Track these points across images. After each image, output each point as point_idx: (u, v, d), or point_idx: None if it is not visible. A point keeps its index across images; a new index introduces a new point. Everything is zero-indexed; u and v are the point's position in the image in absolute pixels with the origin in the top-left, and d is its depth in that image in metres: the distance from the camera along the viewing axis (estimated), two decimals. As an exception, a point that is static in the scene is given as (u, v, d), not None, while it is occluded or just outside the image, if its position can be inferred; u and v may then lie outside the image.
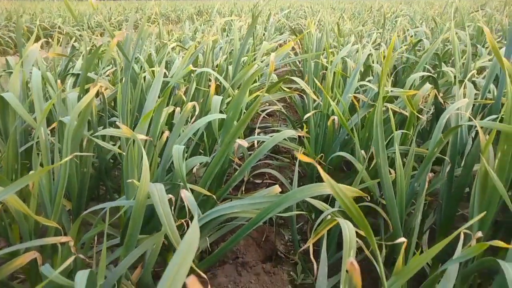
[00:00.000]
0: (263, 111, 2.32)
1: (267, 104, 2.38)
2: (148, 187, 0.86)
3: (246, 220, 1.60)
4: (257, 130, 1.70)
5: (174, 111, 1.65)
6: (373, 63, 2.77)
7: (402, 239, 0.75)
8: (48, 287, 1.03)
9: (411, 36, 3.06)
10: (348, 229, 0.85)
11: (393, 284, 0.69)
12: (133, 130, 1.51)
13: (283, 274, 1.47)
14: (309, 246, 0.94)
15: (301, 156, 0.57)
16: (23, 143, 1.60)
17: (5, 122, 1.45)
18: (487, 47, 2.79)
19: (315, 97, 1.71)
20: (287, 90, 2.25)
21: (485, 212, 0.93)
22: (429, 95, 1.48)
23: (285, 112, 2.31)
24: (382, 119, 1.10)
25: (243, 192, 1.68)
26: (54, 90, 1.50)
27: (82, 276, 0.80)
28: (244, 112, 1.92)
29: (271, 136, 1.50)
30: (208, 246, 1.52)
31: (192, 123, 1.25)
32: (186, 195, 0.82)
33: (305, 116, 1.56)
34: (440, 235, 1.47)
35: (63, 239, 0.98)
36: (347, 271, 0.59)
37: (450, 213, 1.42)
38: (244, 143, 1.18)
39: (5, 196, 0.83)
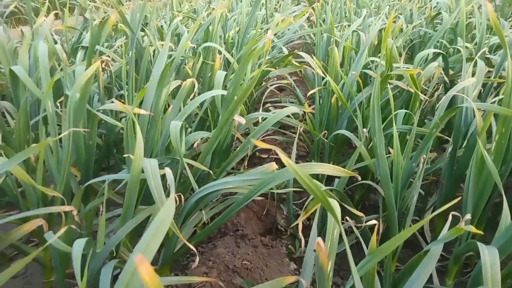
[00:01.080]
0: (272, 85, 2.31)
1: (275, 79, 2.36)
2: (142, 161, 0.89)
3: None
4: (260, 106, 1.70)
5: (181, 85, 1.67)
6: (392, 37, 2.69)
7: (373, 222, 0.76)
8: (54, 253, 1.11)
9: (433, 8, 2.93)
10: (335, 208, 0.87)
11: (366, 263, 0.72)
12: (140, 104, 1.54)
13: (281, 247, 1.52)
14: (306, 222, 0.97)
15: (263, 143, 0.58)
16: (34, 115, 1.66)
17: (16, 95, 1.51)
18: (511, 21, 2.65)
19: (321, 73, 1.69)
20: (297, 64, 2.23)
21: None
22: (440, 73, 1.43)
23: (296, 87, 2.30)
24: (379, 98, 1.09)
25: (246, 167, 1.71)
26: (62, 63, 1.54)
27: (79, 243, 0.85)
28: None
29: (273, 113, 1.51)
30: (207, 218, 1.58)
31: (191, 99, 1.27)
32: (167, 172, 0.85)
33: (309, 93, 1.55)
34: (440, 215, 1.48)
35: (67, 208, 1.04)
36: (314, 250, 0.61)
37: (450, 193, 1.42)
38: (242, 120, 1.19)
39: (9, 167, 0.89)
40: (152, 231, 0.52)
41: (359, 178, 1.06)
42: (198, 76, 1.98)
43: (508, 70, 0.94)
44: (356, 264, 0.75)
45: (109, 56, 1.68)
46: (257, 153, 2.10)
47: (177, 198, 0.97)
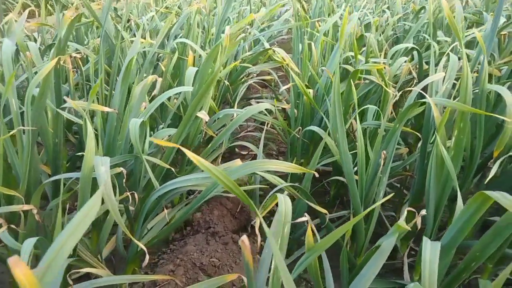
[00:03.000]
0: (253, 81, 2.30)
1: (255, 75, 2.35)
2: (93, 159, 0.88)
3: (223, 191, 1.64)
4: (236, 103, 1.69)
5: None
6: (376, 31, 2.67)
7: (304, 218, 0.76)
8: (14, 252, 1.10)
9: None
10: (285, 204, 0.86)
11: (306, 259, 0.71)
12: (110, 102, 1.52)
13: (253, 244, 1.51)
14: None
15: (162, 142, 0.57)
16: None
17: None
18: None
19: (296, 68, 1.68)
20: (278, 60, 2.21)
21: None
22: (415, 67, 1.42)
23: (279, 83, 2.28)
24: (340, 93, 1.08)
25: (219, 164, 1.70)
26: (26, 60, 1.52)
27: (29, 242, 0.84)
28: (226, 84, 1.91)
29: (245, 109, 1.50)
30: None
31: (155, 96, 1.26)
32: (101, 170, 0.84)
33: (280, 89, 1.54)
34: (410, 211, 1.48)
35: (25, 207, 1.03)
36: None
37: (421, 188, 1.42)
38: (205, 116, 1.18)
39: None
40: (70, 230, 0.51)
41: (316, 174, 1.05)
42: (175, 72, 1.97)
43: (464, 66, 0.93)
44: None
45: (80, 53, 1.66)
46: (236, 150, 2.10)
47: (130, 196, 0.96)
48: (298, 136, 1.54)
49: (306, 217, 0.76)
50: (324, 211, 1.10)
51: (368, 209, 0.75)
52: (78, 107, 0.99)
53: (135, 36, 2.31)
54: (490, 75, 1.95)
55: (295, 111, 1.75)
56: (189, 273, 1.24)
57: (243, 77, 2.16)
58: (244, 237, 0.61)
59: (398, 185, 1.84)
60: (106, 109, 1.15)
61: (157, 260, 1.43)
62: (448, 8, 1.01)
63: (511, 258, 1.39)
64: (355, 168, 1.39)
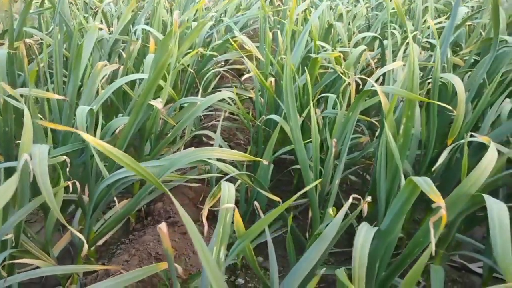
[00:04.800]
0: (226, 71, 2.27)
1: (223, 63, 2.32)
2: (30, 147, 0.86)
3: (185, 180, 1.62)
4: (200, 91, 1.67)
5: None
6: (353, 21, 2.67)
7: (230, 205, 0.75)
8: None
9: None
10: (228, 192, 0.86)
11: (237, 246, 0.71)
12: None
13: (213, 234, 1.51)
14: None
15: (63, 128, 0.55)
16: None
17: None
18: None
19: (260, 57, 1.66)
20: (249, 49, 2.19)
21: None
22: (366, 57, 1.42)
23: (243, 73, 2.26)
24: (292, 82, 1.07)
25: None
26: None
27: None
28: (191, 72, 1.88)
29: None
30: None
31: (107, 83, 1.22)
32: (36, 158, 0.81)
33: (242, 78, 1.52)
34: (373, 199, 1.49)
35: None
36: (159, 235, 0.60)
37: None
38: (158, 104, 1.16)
39: None
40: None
41: (265, 162, 1.05)
42: (141, 60, 1.92)
43: (410, 55, 0.93)
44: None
45: (38, 40, 1.61)
46: (204, 139, 2.08)
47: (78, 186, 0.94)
48: (259, 124, 1.53)
49: (232, 205, 0.75)
50: (277, 199, 1.10)
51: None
52: (15, 93, 0.96)
53: (102, 23, 2.26)
54: (455, 65, 1.98)
55: (261, 100, 1.74)
56: (144, 263, 1.23)
57: (213, 67, 2.13)
58: (162, 225, 0.60)
59: (364, 173, 1.85)
60: (53, 95, 1.12)
61: (115, 251, 1.41)
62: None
63: (461, 243, 1.42)
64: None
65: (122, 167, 1.32)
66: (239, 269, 1.35)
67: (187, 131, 1.63)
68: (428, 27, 2.24)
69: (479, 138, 0.95)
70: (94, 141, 0.49)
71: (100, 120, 1.20)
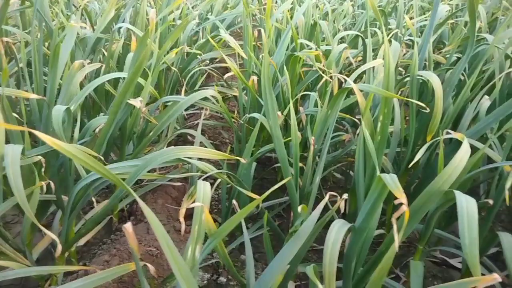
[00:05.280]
0: (213, 69, 2.26)
1: (208, 61, 2.31)
2: (3, 148, 0.84)
3: (168, 180, 1.62)
4: (183, 90, 1.66)
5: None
6: (339, 19, 2.67)
7: (198, 204, 0.75)
8: None
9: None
10: (203, 191, 0.86)
11: (209, 244, 0.71)
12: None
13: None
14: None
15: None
16: None
17: None
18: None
19: (243, 55, 1.66)
20: (236, 47, 2.18)
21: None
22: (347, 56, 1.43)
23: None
24: (271, 80, 1.07)
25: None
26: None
27: None
28: (175, 71, 1.87)
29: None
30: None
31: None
32: (8, 159, 0.81)
33: (225, 76, 1.52)
34: (353, 196, 1.50)
35: None
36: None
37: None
38: (137, 103, 1.15)
39: None
40: None
41: (243, 160, 1.05)
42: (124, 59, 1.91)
43: (385, 53, 0.94)
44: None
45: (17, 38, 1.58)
46: (189, 137, 2.07)
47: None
48: (243, 122, 1.53)
49: (200, 203, 0.75)
50: (256, 197, 1.10)
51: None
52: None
53: (85, 21, 2.23)
54: (438, 63, 2.00)
55: (245, 98, 1.74)
56: (124, 263, 1.22)
57: (199, 65, 2.12)
58: (128, 224, 0.60)
59: (347, 171, 1.86)
60: (29, 95, 1.11)
61: (97, 251, 1.40)
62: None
63: (440, 239, 1.44)
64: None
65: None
66: (222, 267, 1.35)
67: (170, 130, 1.62)
68: (413, 25, 2.26)
69: (454, 135, 0.96)
70: (51, 142, 0.49)
71: (79, 120, 1.19)
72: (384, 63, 0.95)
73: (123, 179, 1.04)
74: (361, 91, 1.04)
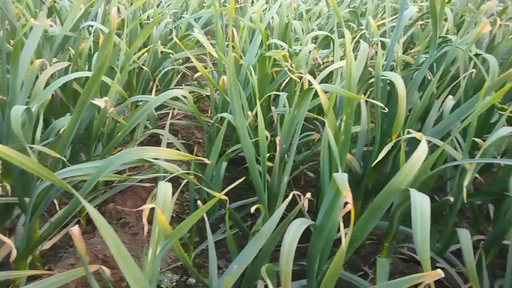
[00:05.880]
0: (185, 68, 2.24)
1: (181, 61, 2.29)
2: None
3: (138, 181, 1.60)
4: (153, 89, 1.64)
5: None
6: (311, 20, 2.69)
7: (148, 206, 0.75)
8: None
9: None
10: (164, 192, 0.85)
11: (164, 246, 0.70)
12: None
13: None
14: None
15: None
16: None
17: None
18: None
19: (215, 54, 1.65)
20: (208, 46, 2.17)
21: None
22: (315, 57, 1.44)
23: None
24: (237, 81, 1.07)
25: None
26: None
27: None
28: (146, 70, 1.85)
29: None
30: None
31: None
32: None
33: (195, 75, 1.51)
34: (321, 195, 1.52)
35: None
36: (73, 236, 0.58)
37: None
38: (100, 102, 1.13)
39: None
40: None
41: (208, 161, 1.04)
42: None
43: (346, 54, 0.95)
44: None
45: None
46: (160, 137, 2.05)
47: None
48: (213, 122, 1.53)
49: (152, 205, 0.74)
50: (223, 197, 1.09)
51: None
52: None
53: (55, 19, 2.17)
54: (407, 63, 2.04)
55: (217, 97, 1.74)
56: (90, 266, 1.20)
57: (172, 64, 2.10)
58: (75, 228, 0.58)
59: (319, 169, 1.88)
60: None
61: (63, 254, 1.37)
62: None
63: (407, 236, 1.47)
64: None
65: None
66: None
67: (139, 130, 1.60)
68: (384, 25, 2.30)
69: (414, 134, 0.99)
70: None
71: (41, 120, 1.16)
72: (346, 64, 0.96)
73: (84, 181, 1.03)
74: (326, 92, 1.05)
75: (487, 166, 1.60)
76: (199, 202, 0.97)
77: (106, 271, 0.75)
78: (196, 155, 2.09)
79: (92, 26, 1.85)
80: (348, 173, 1.51)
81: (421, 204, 0.72)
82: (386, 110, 1.08)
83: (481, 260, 1.19)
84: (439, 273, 0.57)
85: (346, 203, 0.62)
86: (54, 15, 2.23)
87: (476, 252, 1.27)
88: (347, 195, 0.62)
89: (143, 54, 1.63)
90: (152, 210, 1.14)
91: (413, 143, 1.46)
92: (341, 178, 0.68)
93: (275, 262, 1.26)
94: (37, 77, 1.22)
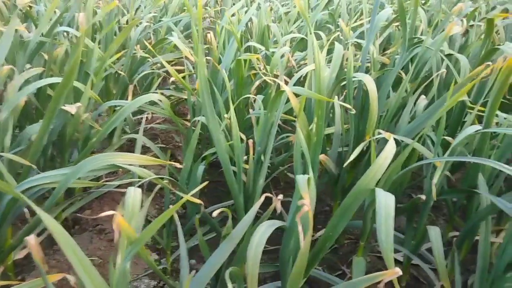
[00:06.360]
0: (163, 72, 2.23)
1: (159, 64, 2.28)
2: None
3: (115, 186, 1.58)
4: (130, 95, 1.63)
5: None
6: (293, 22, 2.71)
7: (110, 212, 0.75)
8: None
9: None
10: (133, 198, 0.84)
11: (129, 252, 0.70)
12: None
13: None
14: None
15: None
16: None
17: None
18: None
19: (191, 58, 1.65)
20: (185, 50, 2.17)
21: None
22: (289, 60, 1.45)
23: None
24: (208, 84, 1.07)
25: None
26: None
27: None
28: (123, 75, 1.83)
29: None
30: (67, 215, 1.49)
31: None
32: None
33: (171, 79, 1.50)
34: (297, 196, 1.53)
35: None
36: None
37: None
38: (71, 108, 1.12)
39: None
40: None
41: (177, 165, 1.04)
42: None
43: (315, 57, 0.96)
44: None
45: None
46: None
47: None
48: (190, 126, 1.52)
49: (113, 212, 0.74)
50: (198, 201, 1.09)
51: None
52: None
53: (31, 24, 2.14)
54: (384, 64, 2.06)
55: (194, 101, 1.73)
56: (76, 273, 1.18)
57: (151, 68, 2.09)
58: (31, 237, 0.58)
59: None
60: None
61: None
62: (298, 2, 1.04)
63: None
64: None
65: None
66: (169, 273, 1.34)
67: (116, 135, 1.59)
68: (362, 25, 2.33)
69: (383, 134, 1.00)
70: None
71: (11, 127, 1.14)
72: (315, 67, 0.97)
73: (53, 188, 1.01)
74: (298, 95, 1.06)
75: (461, 163, 1.63)
76: (171, 207, 0.96)
77: (71, 279, 0.74)
78: (176, 159, 2.10)
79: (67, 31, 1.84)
80: (325, 174, 1.54)
81: (386, 204, 0.73)
82: (353, 111, 1.09)
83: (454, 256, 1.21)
84: (397, 271, 0.58)
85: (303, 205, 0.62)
86: (29, 20, 2.20)
87: (451, 248, 1.30)
88: (305, 197, 0.63)
89: (117, 58, 1.62)
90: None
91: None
92: (302, 180, 0.69)
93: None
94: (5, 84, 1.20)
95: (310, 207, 0.62)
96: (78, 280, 0.63)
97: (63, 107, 1.10)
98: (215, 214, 0.75)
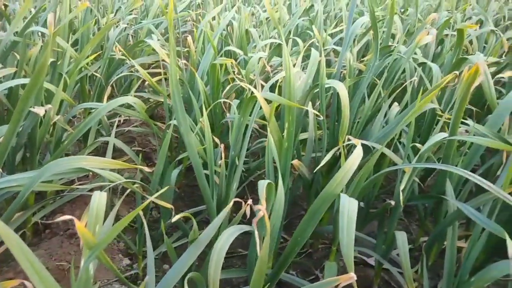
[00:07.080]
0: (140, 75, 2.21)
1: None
2: None
3: (87, 190, 1.55)
4: (105, 97, 1.61)
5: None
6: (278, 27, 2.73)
7: (67, 217, 0.74)
8: None
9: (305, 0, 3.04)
10: (98, 203, 0.83)
11: (89, 257, 0.69)
12: None
13: (118, 243, 1.46)
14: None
15: None
16: None
17: None
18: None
19: (166, 59, 1.64)
20: (162, 53, 2.16)
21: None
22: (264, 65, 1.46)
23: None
24: (179, 88, 1.07)
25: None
26: None
27: None
28: (99, 77, 1.81)
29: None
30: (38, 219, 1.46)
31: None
32: None
33: (145, 84, 1.49)
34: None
35: None
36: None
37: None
38: (40, 110, 1.10)
39: None
40: None
41: (146, 169, 1.04)
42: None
43: (285, 63, 0.97)
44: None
45: None
46: (116, 145, 2.01)
47: None
48: (165, 129, 1.51)
49: (69, 216, 0.73)
50: (169, 206, 1.09)
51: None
52: None
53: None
54: (360, 71, 2.10)
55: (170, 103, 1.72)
56: (30, 280, 1.15)
57: (129, 70, 2.07)
58: None
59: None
60: None
61: (4, 268, 1.31)
62: (269, 7, 1.05)
63: (356, 239, 1.51)
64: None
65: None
66: (141, 278, 1.32)
67: (90, 137, 1.57)
68: (341, 31, 2.37)
69: (352, 140, 1.02)
70: None
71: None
72: (285, 73, 0.98)
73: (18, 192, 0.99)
74: (269, 101, 1.06)
75: (433, 170, 1.67)
76: (141, 212, 0.96)
77: (29, 285, 0.72)
78: (153, 162, 2.08)
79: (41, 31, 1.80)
80: (299, 179, 1.54)
81: (348, 209, 0.74)
82: (321, 118, 1.10)
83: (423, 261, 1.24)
84: (352, 276, 0.58)
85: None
86: (3, 19, 2.15)
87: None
88: (262, 202, 0.63)
89: (95, 59, 1.60)
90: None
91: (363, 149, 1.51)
92: (261, 185, 0.69)
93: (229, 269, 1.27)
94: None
95: (267, 212, 0.62)
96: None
97: (31, 109, 1.08)
98: (174, 219, 0.75)
